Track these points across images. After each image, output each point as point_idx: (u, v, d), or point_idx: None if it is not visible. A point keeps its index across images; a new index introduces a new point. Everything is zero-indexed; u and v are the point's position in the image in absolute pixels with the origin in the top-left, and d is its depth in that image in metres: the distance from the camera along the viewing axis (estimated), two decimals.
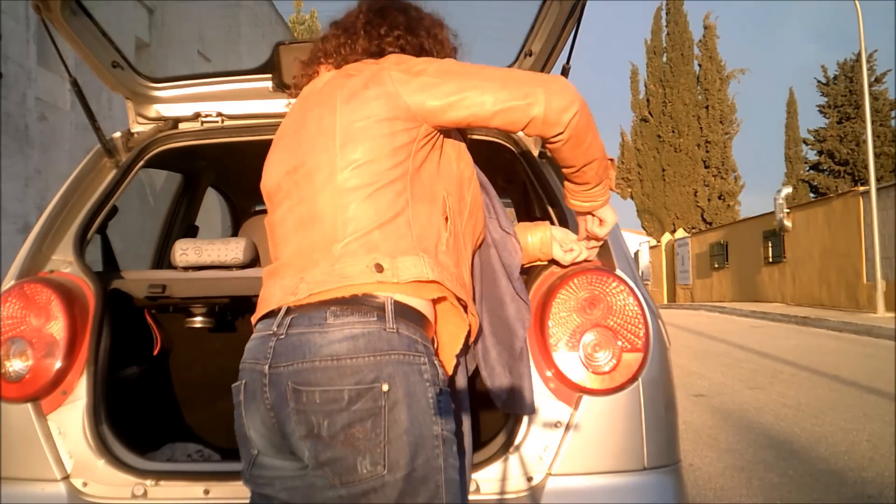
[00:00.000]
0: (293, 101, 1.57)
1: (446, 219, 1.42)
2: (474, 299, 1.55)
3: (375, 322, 1.27)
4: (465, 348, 1.48)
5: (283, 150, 1.48)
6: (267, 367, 1.29)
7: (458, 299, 1.39)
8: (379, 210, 1.34)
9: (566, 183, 1.61)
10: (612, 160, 1.57)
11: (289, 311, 1.32)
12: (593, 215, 1.67)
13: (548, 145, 1.47)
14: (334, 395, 1.23)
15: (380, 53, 1.48)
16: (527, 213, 3.01)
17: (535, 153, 2.18)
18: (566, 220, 1.96)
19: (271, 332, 1.31)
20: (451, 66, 1.42)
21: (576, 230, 1.83)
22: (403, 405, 1.24)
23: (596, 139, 1.47)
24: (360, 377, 1.23)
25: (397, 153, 1.36)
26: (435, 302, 1.37)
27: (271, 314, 1.36)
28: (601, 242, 1.77)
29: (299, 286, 1.32)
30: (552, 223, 1.97)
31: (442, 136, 1.45)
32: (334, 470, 1.24)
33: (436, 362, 1.32)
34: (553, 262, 1.83)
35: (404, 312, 1.30)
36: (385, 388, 1.23)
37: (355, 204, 1.33)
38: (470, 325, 1.47)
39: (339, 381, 1.23)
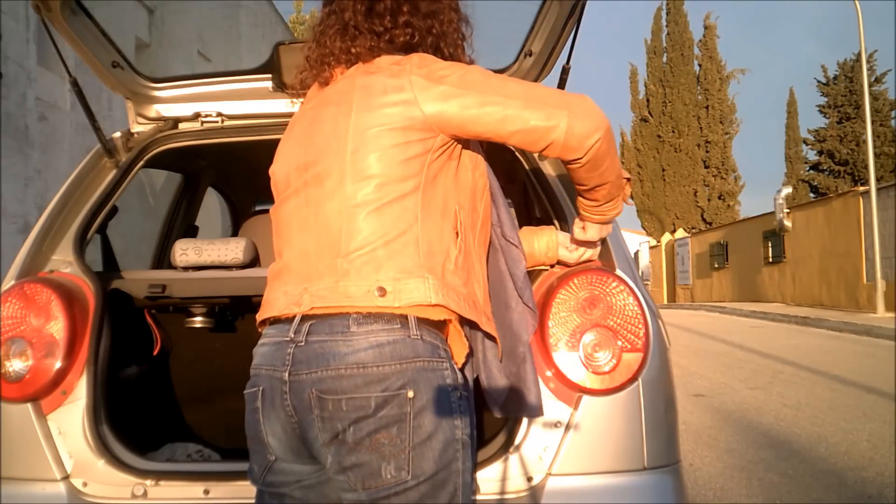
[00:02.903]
0: (293, 100, 1.55)
1: (457, 234, 1.38)
2: None
3: (399, 329, 1.27)
4: (470, 355, 1.47)
5: (296, 142, 1.45)
6: (286, 374, 1.29)
7: (466, 320, 1.38)
8: (385, 225, 1.31)
9: (577, 197, 1.59)
10: (628, 179, 1.55)
11: (304, 317, 1.31)
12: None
13: (565, 165, 1.45)
14: (361, 403, 1.24)
15: (391, 45, 1.42)
16: (527, 213, 3.01)
17: (536, 156, 2.18)
18: (566, 219, 1.96)
19: (288, 339, 1.30)
20: (474, 75, 1.37)
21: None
22: (428, 411, 1.25)
23: (614, 163, 1.44)
24: (386, 384, 1.24)
25: (409, 165, 1.32)
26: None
27: (282, 319, 1.35)
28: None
29: (303, 297, 1.31)
30: (552, 222, 1.97)
31: (459, 145, 1.41)
32: (357, 475, 1.24)
33: (455, 367, 1.33)
34: (556, 264, 1.83)
35: (426, 318, 1.30)
36: (410, 394, 1.24)
37: (362, 217, 1.31)
38: (484, 344, 1.48)
39: (365, 389, 1.24)
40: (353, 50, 1.41)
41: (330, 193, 1.34)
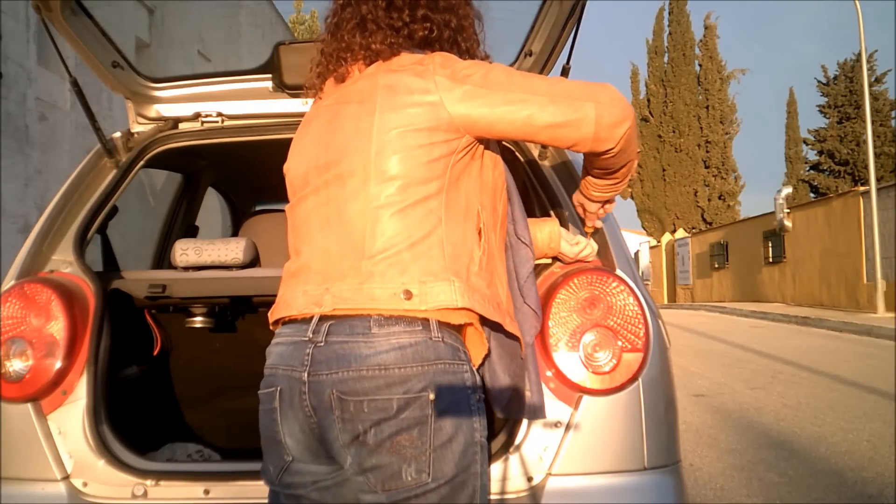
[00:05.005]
0: (305, 101, 1.52)
1: (480, 235, 1.37)
2: None
3: (421, 331, 1.26)
4: (488, 356, 1.46)
5: (314, 139, 1.42)
6: (305, 374, 1.28)
7: (488, 321, 1.37)
8: (409, 227, 1.29)
9: (589, 178, 1.58)
10: (637, 153, 1.54)
11: (323, 317, 1.30)
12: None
13: (595, 157, 1.43)
14: (383, 405, 1.23)
15: (410, 40, 1.40)
16: (527, 212, 3.01)
17: (536, 154, 2.18)
18: (566, 220, 1.96)
19: (307, 339, 1.29)
20: (497, 73, 1.35)
21: (577, 231, 1.83)
22: (449, 414, 1.25)
23: (636, 145, 1.44)
24: (408, 386, 1.24)
25: (433, 166, 1.31)
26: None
27: (298, 319, 1.34)
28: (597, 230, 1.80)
29: (324, 297, 1.30)
30: None
31: (482, 145, 1.40)
32: (378, 477, 1.24)
33: (474, 369, 1.33)
34: (556, 259, 1.83)
35: (447, 321, 1.30)
36: (432, 397, 1.24)
37: (386, 218, 1.29)
38: (519, 342, 1.46)
39: (386, 391, 1.23)
40: (372, 46, 1.39)
41: (353, 194, 1.32)
